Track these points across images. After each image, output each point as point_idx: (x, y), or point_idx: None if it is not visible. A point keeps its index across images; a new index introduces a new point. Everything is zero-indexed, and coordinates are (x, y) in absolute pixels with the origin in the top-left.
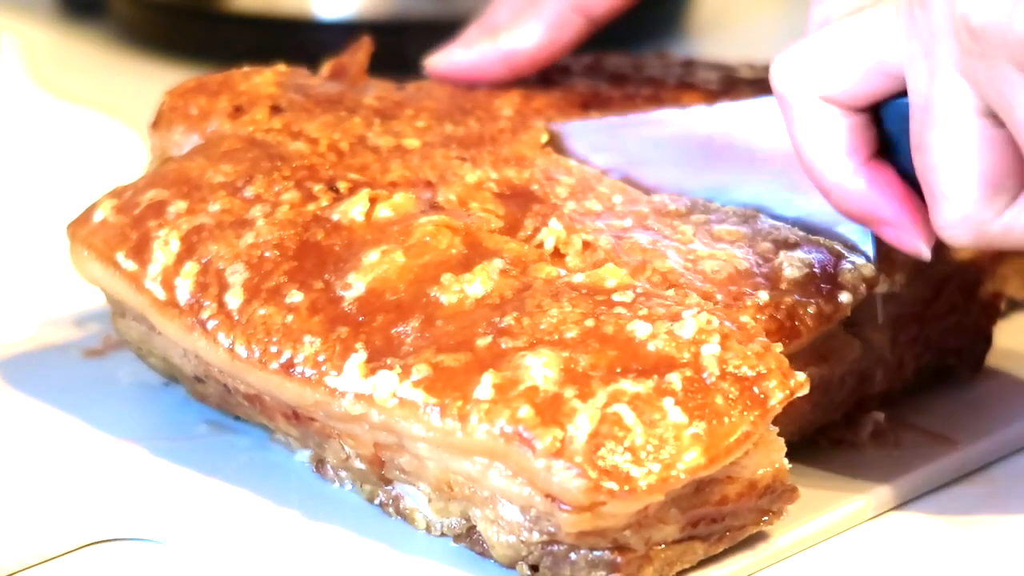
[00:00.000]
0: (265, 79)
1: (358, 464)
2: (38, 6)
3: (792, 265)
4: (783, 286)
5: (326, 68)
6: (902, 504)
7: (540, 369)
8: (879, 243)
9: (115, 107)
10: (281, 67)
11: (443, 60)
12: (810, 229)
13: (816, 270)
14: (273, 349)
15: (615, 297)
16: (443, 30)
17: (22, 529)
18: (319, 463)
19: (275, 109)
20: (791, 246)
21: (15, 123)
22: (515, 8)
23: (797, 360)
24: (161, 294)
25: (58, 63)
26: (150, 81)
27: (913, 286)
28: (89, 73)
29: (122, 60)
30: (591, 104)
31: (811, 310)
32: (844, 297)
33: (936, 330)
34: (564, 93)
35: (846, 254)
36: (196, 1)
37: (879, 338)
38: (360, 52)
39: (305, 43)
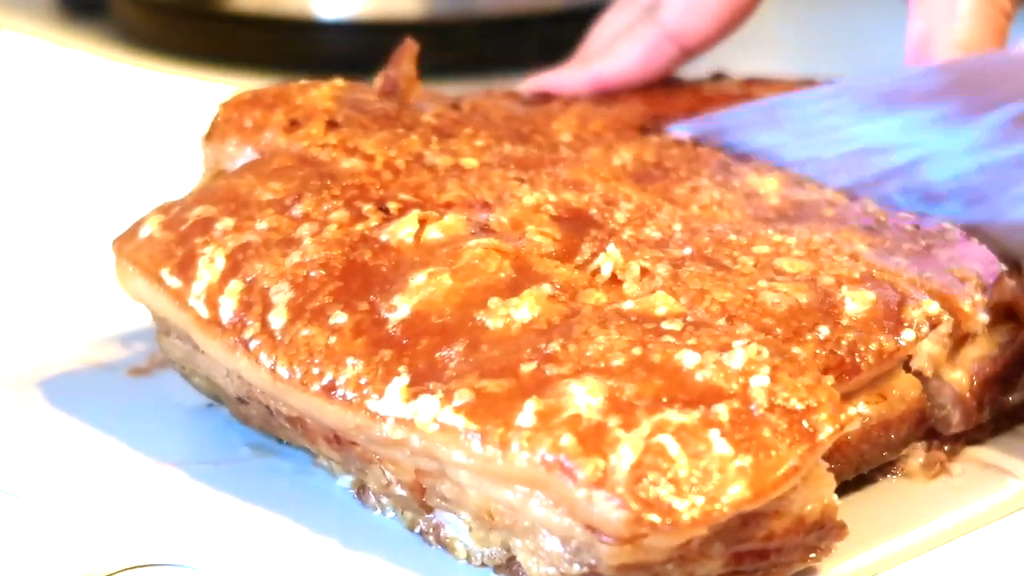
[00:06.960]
0: (322, 93)
1: (399, 490)
2: (38, 6)
3: (855, 301)
4: (844, 322)
5: (377, 83)
6: (956, 538)
7: (584, 397)
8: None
9: (115, 107)
10: (339, 81)
11: (533, 83)
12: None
13: (879, 307)
14: (315, 371)
15: (664, 325)
16: (442, 30)
17: (61, 552)
18: (361, 489)
19: (331, 124)
20: (854, 282)
21: (15, 122)
22: (610, 36)
23: (856, 397)
24: (205, 312)
25: (58, 63)
26: (150, 81)
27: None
28: (89, 73)
29: (122, 60)
30: (649, 127)
31: (872, 347)
32: (907, 335)
33: (1015, 372)
34: (621, 114)
35: (911, 293)
36: (196, 1)
37: (957, 379)
38: (405, 61)
39: (305, 44)
